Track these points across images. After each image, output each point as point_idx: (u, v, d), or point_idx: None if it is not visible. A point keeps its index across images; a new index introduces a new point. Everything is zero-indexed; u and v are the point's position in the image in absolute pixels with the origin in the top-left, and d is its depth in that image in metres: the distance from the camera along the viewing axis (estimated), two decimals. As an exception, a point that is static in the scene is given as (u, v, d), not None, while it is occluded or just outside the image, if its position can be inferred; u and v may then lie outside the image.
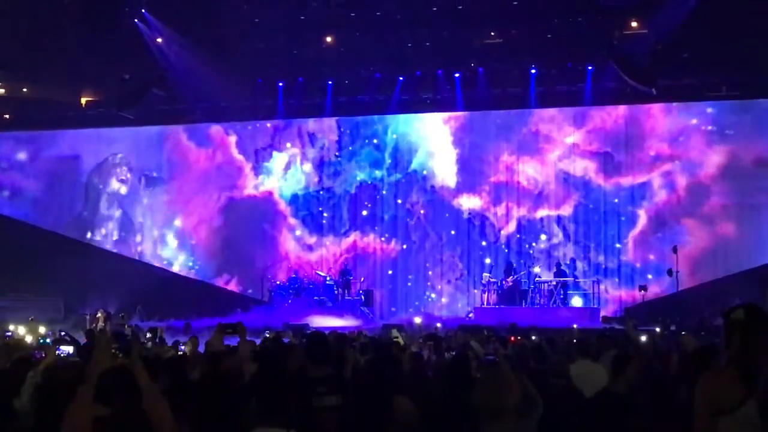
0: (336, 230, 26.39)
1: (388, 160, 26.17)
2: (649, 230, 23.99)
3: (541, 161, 24.94)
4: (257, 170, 27.05)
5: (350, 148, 26.47)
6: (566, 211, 24.85)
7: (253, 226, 26.55)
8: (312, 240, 26.51)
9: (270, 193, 26.82)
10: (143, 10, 24.39)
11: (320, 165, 26.67)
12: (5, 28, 23.29)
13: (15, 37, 23.61)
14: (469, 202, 25.41)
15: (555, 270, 23.17)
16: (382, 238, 25.81)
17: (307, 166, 26.75)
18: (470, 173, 25.45)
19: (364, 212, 26.26)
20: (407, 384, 5.65)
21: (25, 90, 27.49)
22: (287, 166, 26.89)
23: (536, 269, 23.95)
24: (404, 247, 25.59)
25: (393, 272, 25.68)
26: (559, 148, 24.88)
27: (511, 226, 25.11)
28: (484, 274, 23.65)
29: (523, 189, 25.13)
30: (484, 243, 25.33)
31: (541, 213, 24.95)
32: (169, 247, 27.55)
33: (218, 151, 27.29)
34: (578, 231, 24.74)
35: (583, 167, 24.69)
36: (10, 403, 5.80)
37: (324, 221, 26.55)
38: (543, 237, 24.90)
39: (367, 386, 5.07)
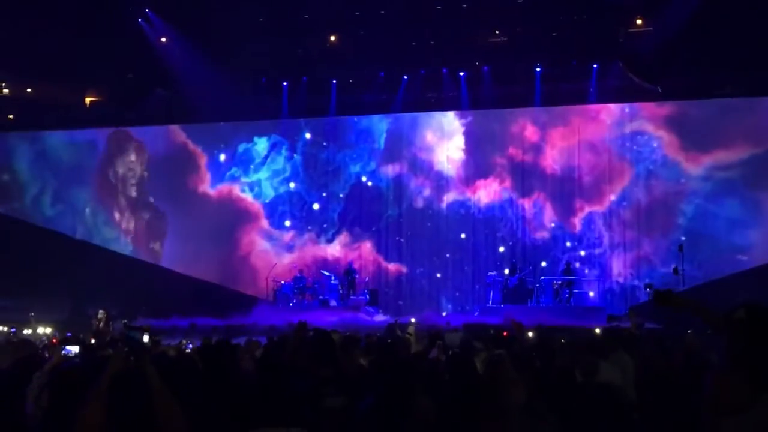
0: (329, 231, 25.54)
1: (382, 146, 25.17)
2: None
3: (577, 133, 23.20)
4: (239, 167, 26.26)
5: (343, 139, 25.70)
6: (614, 203, 22.61)
7: (231, 225, 25.89)
8: (287, 238, 25.70)
9: (241, 192, 26.13)
10: (147, 10, 24.45)
11: (311, 159, 25.83)
12: (9, 29, 23.32)
13: (19, 37, 23.64)
14: (483, 196, 23.99)
15: (564, 268, 22.87)
16: (371, 243, 25.09)
17: (297, 159, 25.94)
18: (483, 157, 23.94)
19: (327, 211, 25.42)
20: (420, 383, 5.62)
21: (29, 90, 27.50)
22: (275, 161, 26.10)
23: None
24: (409, 256, 24.75)
25: (395, 279, 24.97)
26: (610, 112, 23.10)
27: (539, 226, 23.35)
28: (490, 273, 23.47)
29: (553, 173, 23.27)
30: (502, 249, 23.89)
31: (581, 206, 22.86)
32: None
33: (187, 149, 26.56)
34: (630, 230, 22.47)
35: (646, 139, 22.61)
36: (16, 404, 5.78)
37: (310, 223, 25.61)
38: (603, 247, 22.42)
39: (390, 386, 5.03)
